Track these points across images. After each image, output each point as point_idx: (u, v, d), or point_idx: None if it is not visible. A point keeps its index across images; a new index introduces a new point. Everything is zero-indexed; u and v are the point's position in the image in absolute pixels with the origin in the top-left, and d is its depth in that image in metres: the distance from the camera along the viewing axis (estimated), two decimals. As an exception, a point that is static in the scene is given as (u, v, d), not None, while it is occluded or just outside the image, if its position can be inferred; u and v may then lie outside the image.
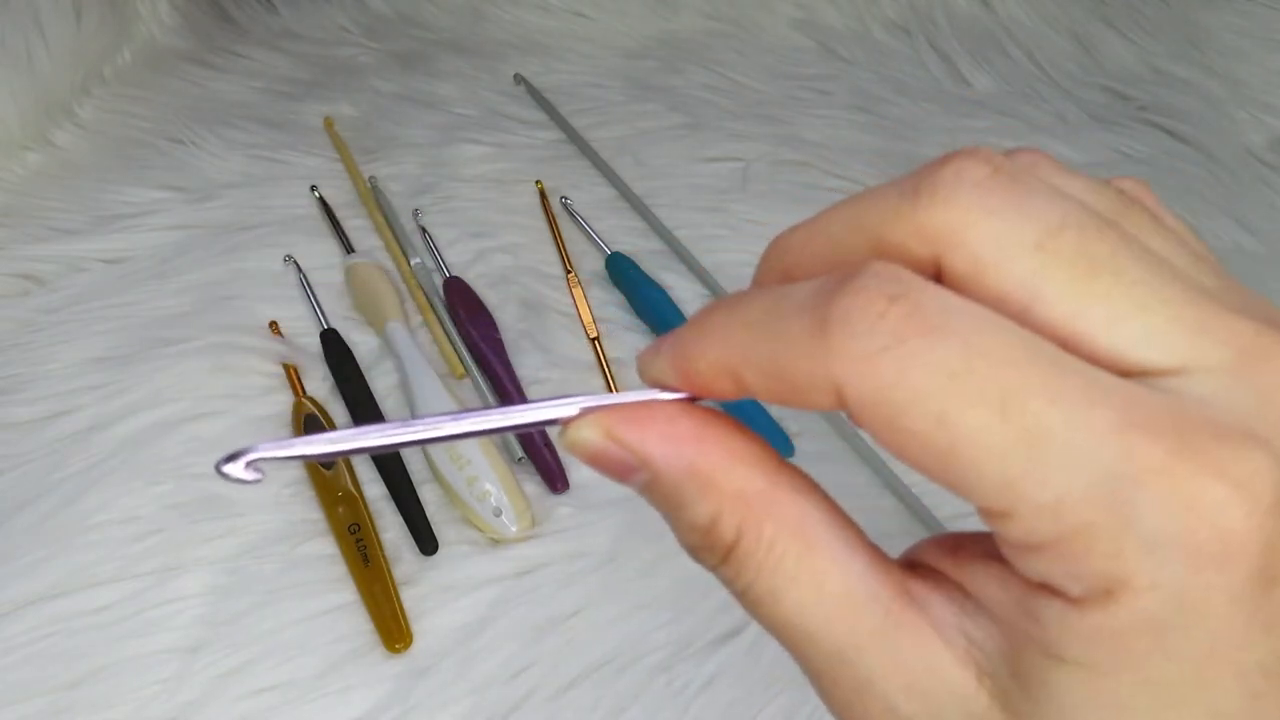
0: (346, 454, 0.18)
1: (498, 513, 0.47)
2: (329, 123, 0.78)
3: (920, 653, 0.16)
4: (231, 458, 0.18)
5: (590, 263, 0.65)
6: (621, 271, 0.62)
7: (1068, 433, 0.13)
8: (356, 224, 0.68)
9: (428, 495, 0.49)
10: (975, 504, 0.14)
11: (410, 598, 0.45)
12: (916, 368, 0.14)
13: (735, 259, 0.65)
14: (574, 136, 0.77)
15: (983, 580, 0.16)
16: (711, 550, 0.17)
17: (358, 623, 0.44)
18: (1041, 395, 0.14)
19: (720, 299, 0.18)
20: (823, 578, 0.16)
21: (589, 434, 0.17)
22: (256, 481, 0.18)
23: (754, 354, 0.16)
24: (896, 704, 0.16)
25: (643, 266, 0.62)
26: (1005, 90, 0.84)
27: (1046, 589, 0.15)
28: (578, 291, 0.62)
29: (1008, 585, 0.15)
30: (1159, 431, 0.13)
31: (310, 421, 0.51)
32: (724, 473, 0.17)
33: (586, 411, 0.18)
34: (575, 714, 0.41)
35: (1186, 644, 0.14)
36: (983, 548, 0.16)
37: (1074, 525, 0.14)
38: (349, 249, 0.65)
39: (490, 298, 0.61)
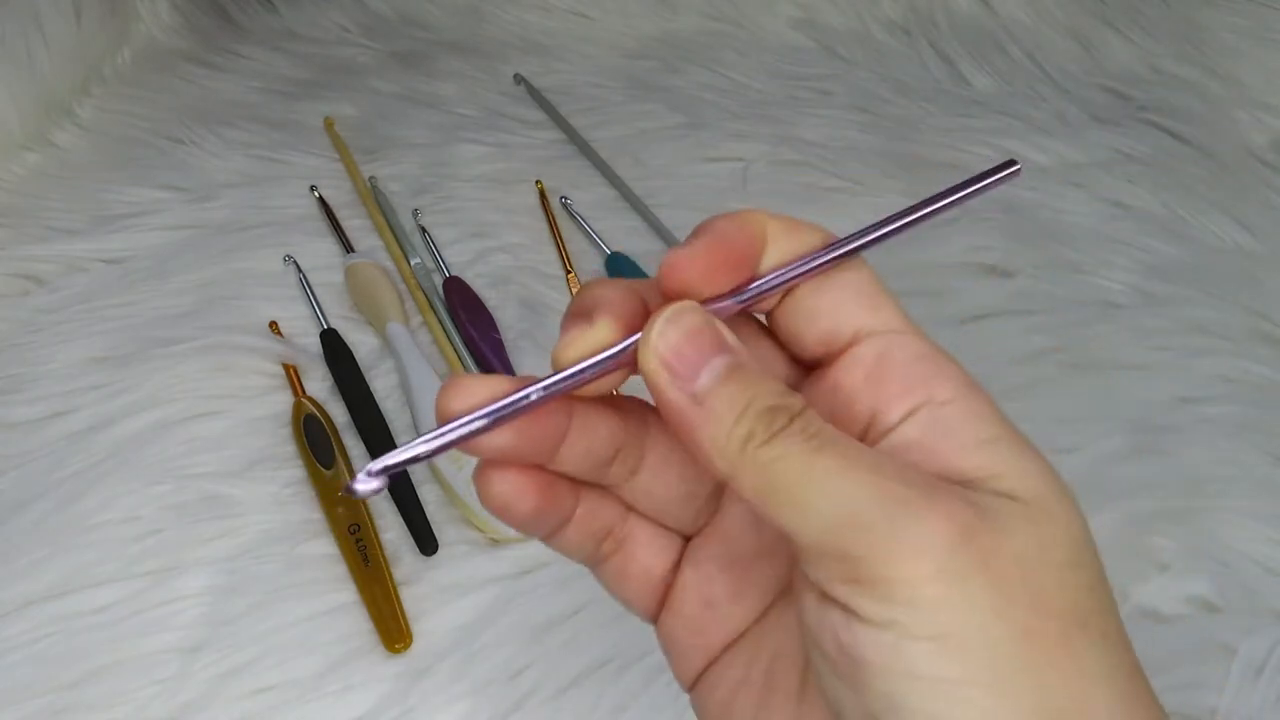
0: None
1: (498, 513, 0.47)
2: (329, 123, 0.78)
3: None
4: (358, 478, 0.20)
5: (590, 263, 0.65)
6: (621, 271, 0.62)
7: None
8: (356, 224, 0.68)
9: (428, 495, 0.49)
10: (880, 326, 0.22)
11: (410, 598, 0.45)
12: None
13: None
14: (574, 136, 0.77)
15: None
16: (786, 409, 0.19)
17: (358, 623, 0.44)
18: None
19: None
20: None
21: (695, 313, 0.20)
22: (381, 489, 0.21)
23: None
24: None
25: (643, 266, 0.62)
26: (1005, 90, 0.84)
27: (931, 403, 0.21)
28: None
29: (908, 448, 0.22)
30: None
31: (310, 421, 0.51)
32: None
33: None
34: (575, 714, 0.41)
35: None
36: None
37: (932, 346, 0.22)
38: (349, 249, 0.65)
39: (490, 298, 0.61)
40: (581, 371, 0.21)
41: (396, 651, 0.42)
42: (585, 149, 0.75)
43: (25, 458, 0.51)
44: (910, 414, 0.21)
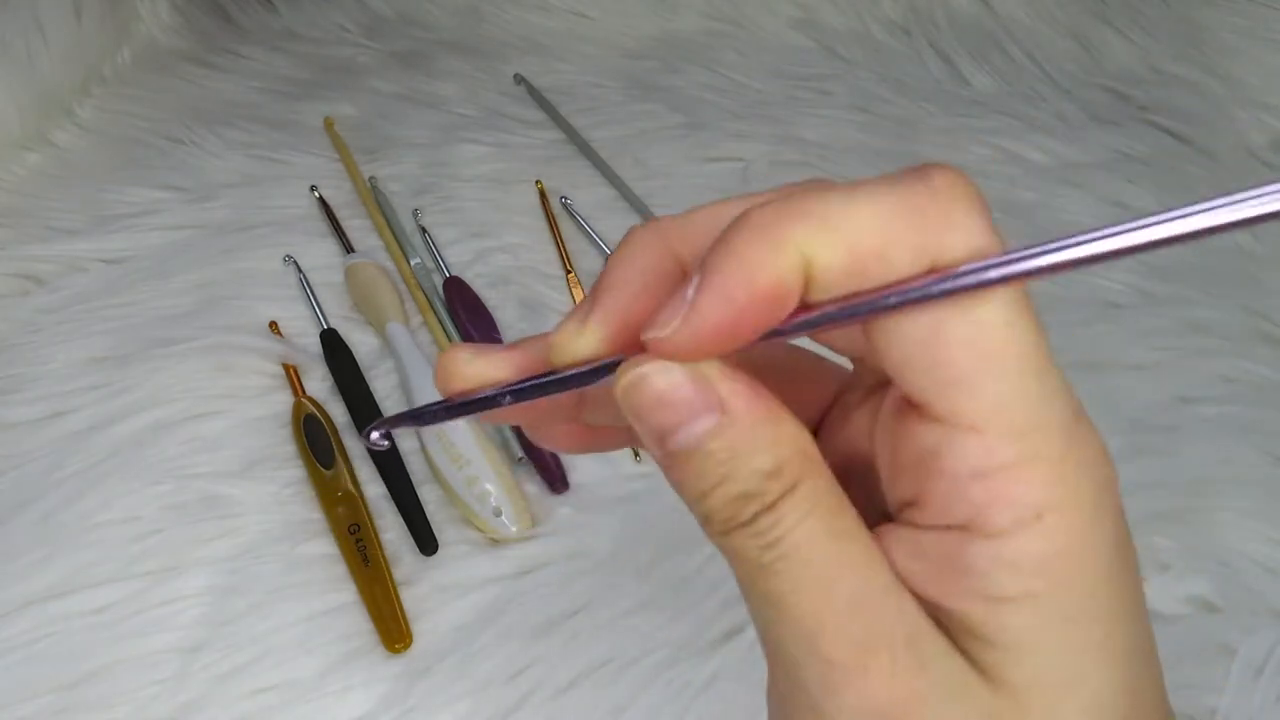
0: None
1: (498, 513, 0.47)
2: (329, 123, 0.78)
3: (919, 615, 0.17)
4: (371, 430, 0.22)
5: (590, 263, 0.65)
6: (621, 271, 0.62)
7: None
8: (356, 224, 0.68)
9: (428, 495, 0.49)
10: (958, 408, 0.16)
11: (410, 598, 0.45)
12: None
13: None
14: (574, 136, 0.77)
15: (898, 561, 0.17)
16: (757, 499, 0.17)
17: (358, 623, 0.44)
18: None
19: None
20: (854, 532, 0.17)
21: (670, 373, 0.17)
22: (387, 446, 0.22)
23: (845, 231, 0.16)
24: (911, 653, 0.16)
25: (643, 266, 0.62)
26: (1005, 90, 0.84)
27: (970, 531, 0.16)
28: (578, 291, 0.62)
29: (922, 555, 0.17)
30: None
31: (310, 421, 0.51)
32: (789, 423, 0.17)
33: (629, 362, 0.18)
34: (575, 714, 0.41)
35: (1101, 560, 0.16)
36: (880, 536, 0.18)
37: (1030, 449, 0.16)
38: (349, 249, 0.65)
39: (490, 298, 0.61)
40: (554, 382, 0.19)
41: (396, 651, 0.42)
42: (585, 149, 0.75)
43: (25, 458, 0.51)
44: (944, 530, 0.17)
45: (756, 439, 0.17)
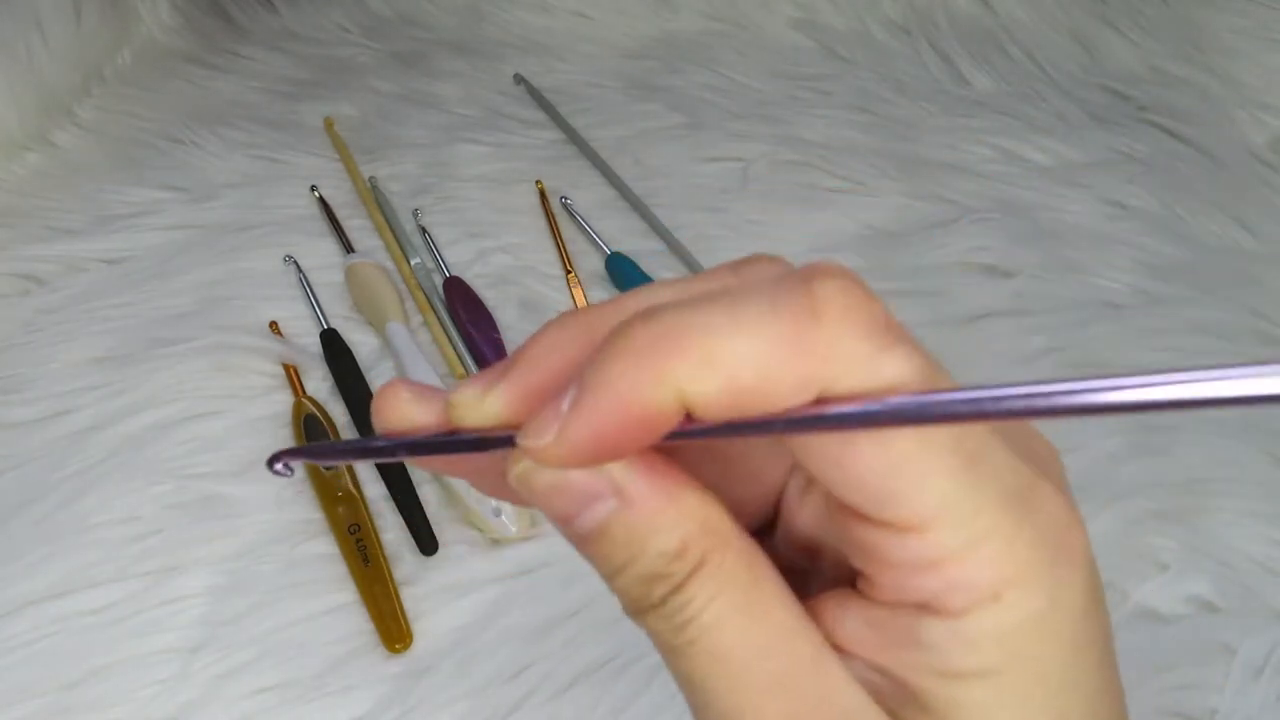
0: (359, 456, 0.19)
1: (498, 513, 0.47)
2: (329, 123, 0.78)
3: (849, 689, 0.16)
4: (274, 459, 0.20)
5: (590, 263, 0.65)
6: (621, 271, 0.62)
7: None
8: (356, 224, 0.68)
9: (428, 495, 0.49)
10: (889, 518, 0.15)
11: (410, 598, 0.45)
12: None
13: (735, 259, 0.65)
14: (574, 136, 0.77)
15: (848, 628, 0.17)
16: (665, 580, 0.16)
17: (358, 623, 0.44)
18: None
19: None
20: (769, 607, 0.16)
21: (559, 459, 0.16)
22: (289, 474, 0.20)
23: (722, 356, 0.15)
24: None
25: (643, 266, 0.62)
26: (1005, 90, 0.84)
27: (926, 609, 0.16)
28: (578, 291, 0.62)
29: (876, 625, 0.16)
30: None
31: (310, 421, 0.51)
32: (692, 499, 0.17)
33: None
34: (575, 714, 0.41)
35: (1062, 632, 0.16)
36: (832, 602, 0.17)
37: (978, 532, 0.15)
38: (349, 249, 0.65)
39: (490, 298, 0.61)
40: (449, 444, 0.18)
41: (396, 651, 0.42)
42: (585, 149, 0.75)
43: (25, 458, 0.51)
44: (897, 606, 0.16)
45: (657, 521, 0.16)
